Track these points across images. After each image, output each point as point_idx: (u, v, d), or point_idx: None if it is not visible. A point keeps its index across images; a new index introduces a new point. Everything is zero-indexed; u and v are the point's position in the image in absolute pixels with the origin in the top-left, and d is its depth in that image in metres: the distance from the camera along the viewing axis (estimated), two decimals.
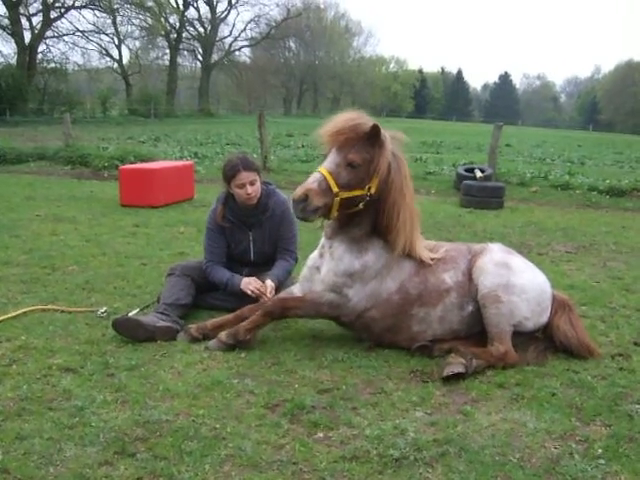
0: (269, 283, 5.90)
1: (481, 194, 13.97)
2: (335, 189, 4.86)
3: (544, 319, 5.33)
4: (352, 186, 4.93)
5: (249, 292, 5.84)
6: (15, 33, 51.06)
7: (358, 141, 4.92)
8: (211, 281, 6.11)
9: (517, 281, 5.20)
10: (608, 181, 17.44)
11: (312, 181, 4.89)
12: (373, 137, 4.92)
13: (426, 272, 5.33)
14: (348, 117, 4.98)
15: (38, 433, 3.79)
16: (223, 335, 5.25)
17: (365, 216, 5.17)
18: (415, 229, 5.29)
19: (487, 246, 5.55)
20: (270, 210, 6.23)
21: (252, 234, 6.26)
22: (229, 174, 5.98)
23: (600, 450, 3.85)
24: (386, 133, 5.03)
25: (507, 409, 4.34)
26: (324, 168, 4.93)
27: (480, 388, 4.65)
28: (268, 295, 5.75)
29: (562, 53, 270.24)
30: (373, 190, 5.00)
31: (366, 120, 4.98)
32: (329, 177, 4.87)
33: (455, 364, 4.81)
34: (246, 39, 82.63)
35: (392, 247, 5.22)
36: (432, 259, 5.36)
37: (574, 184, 17.07)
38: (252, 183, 5.98)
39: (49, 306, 6.06)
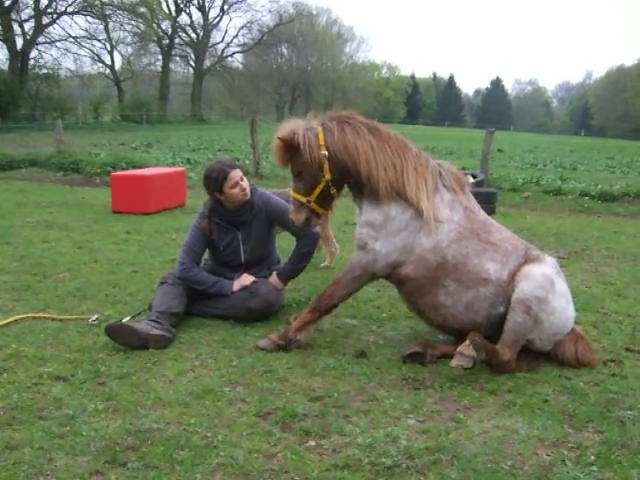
0: (275, 280, 6.28)
1: None
2: (303, 200, 5.36)
3: (549, 348, 5.29)
4: (312, 188, 5.33)
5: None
6: (7, 39, 50.89)
7: (288, 153, 5.34)
8: (189, 281, 6.08)
9: (553, 302, 5.13)
10: (600, 186, 17.48)
11: (291, 206, 5.49)
12: (291, 144, 5.28)
13: (470, 248, 5.22)
14: (275, 141, 5.37)
15: (28, 442, 3.77)
16: (275, 335, 5.45)
17: (354, 186, 5.44)
18: (403, 175, 5.22)
19: (543, 256, 5.39)
20: (256, 206, 6.29)
21: (241, 233, 6.29)
22: (220, 179, 6.00)
23: (592, 457, 3.84)
24: (300, 130, 5.27)
25: (499, 416, 4.34)
26: (290, 189, 5.53)
27: (472, 395, 4.65)
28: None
29: (554, 58, 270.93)
30: (329, 176, 5.28)
31: (286, 131, 5.33)
32: (295, 194, 5.41)
33: (467, 357, 4.86)
34: (238, 45, 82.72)
35: (375, 192, 5.25)
36: (438, 219, 5.18)
37: (566, 189, 17.10)
38: (242, 178, 6.11)
39: (40, 314, 6.04)
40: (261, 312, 6.06)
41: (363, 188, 5.32)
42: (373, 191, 5.25)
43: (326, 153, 5.23)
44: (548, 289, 5.12)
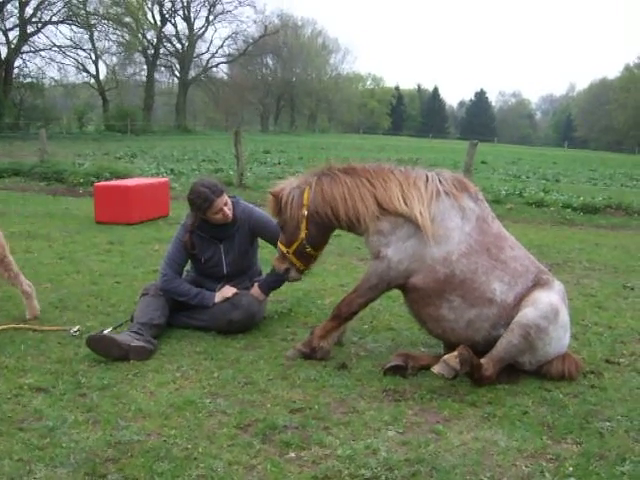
0: (257, 291, 6.31)
1: None
2: (284, 249, 5.71)
3: (535, 368, 5.30)
4: (290, 241, 5.67)
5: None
6: None
7: (277, 207, 5.69)
8: (171, 293, 6.09)
9: (552, 333, 5.14)
10: (582, 198, 17.59)
11: (276, 252, 5.89)
12: (276, 201, 5.67)
13: (479, 264, 5.22)
14: (268, 195, 5.83)
15: (8, 454, 3.76)
16: (299, 344, 5.59)
17: (348, 230, 5.69)
18: (386, 194, 5.35)
19: (552, 282, 5.35)
20: (238, 220, 6.31)
21: (223, 246, 6.30)
22: (204, 206, 6.01)
23: (571, 468, 3.87)
24: (287, 188, 5.63)
25: (479, 428, 4.36)
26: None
27: (452, 407, 4.67)
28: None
29: (537, 71, 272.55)
30: (303, 235, 5.59)
31: (277, 188, 5.72)
32: (280, 243, 5.77)
33: (449, 367, 4.84)
34: (223, 55, 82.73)
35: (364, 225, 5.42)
36: (421, 215, 5.24)
37: (549, 201, 17.18)
38: (226, 204, 6.09)
39: (21, 325, 6.02)
40: (243, 324, 6.06)
41: (354, 227, 5.50)
42: (362, 226, 5.42)
43: (305, 213, 5.51)
44: (551, 320, 5.11)
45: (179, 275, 6.28)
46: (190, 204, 6.13)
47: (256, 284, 6.33)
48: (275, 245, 6.22)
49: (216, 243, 6.29)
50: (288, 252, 5.66)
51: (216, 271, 6.34)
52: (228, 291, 6.16)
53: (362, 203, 5.35)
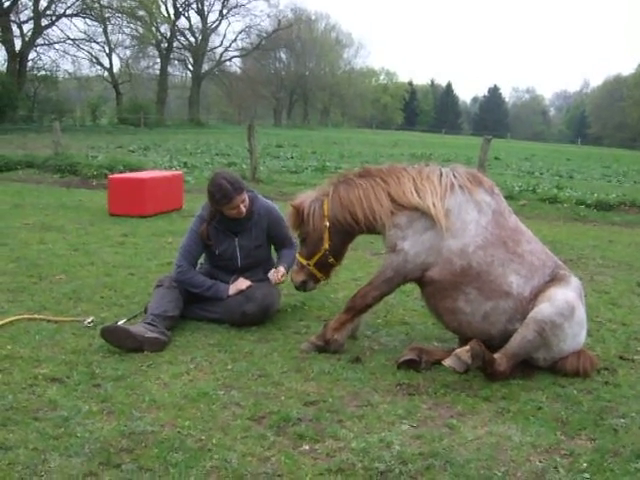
0: (281, 269, 6.29)
1: None
2: (304, 262, 5.78)
3: (549, 365, 5.28)
4: (312, 254, 5.74)
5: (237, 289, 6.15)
6: (5, 40, 50.89)
7: (298, 220, 5.75)
8: (185, 284, 6.11)
9: (567, 329, 5.12)
10: (596, 195, 17.51)
11: (294, 266, 6.00)
12: (298, 214, 5.73)
13: (495, 257, 5.22)
14: (289, 208, 5.86)
15: (23, 443, 3.77)
16: (313, 337, 5.62)
17: (368, 232, 5.73)
18: (400, 189, 5.41)
19: (569, 277, 5.34)
20: (255, 215, 6.32)
21: (238, 239, 6.30)
22: (222, 201, 6.00)
23: (585, 464, 3.86)
24: (307, 201, 5.71)
25: (493, 423, 4.35)
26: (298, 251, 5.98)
27: (466, 402, 4.66)
28: (280, 278, 6.24)
29: (551, 67, 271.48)
30: (327, 245, 5.67)
31: (298, 201, 5.77)
32: (298, 256, 5.87)
33: (461, 361, 4.84)
34: (237, 49, 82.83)
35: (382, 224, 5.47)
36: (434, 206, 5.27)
37: (562, 198, 17.11)
38: (243, 201, 6.08)
39: (36, 315, 6.04)
40: (257, 316, 6.06)
41: (373, 227, 5.53)
42: (379, 223, 5.46)
43: (327, 224, 5.60)
44: (566, 316, 5.09)
45: (193, 267, 6.30)
46: (209, 196, 6.11)
47: (277, 267, 6.35)
48: (278, 248, 6.54)
49: (231, 236, 6.29)
50: (309, 264, 5.75)
51: (230, 264, 6.35)
52: (242, 283, 6.16)
53: (377, 202, 5.40)
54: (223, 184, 5.98)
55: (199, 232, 6.23)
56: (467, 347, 4.90)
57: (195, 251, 6.27)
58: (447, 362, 4.89)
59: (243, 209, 6.13)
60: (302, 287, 5.89)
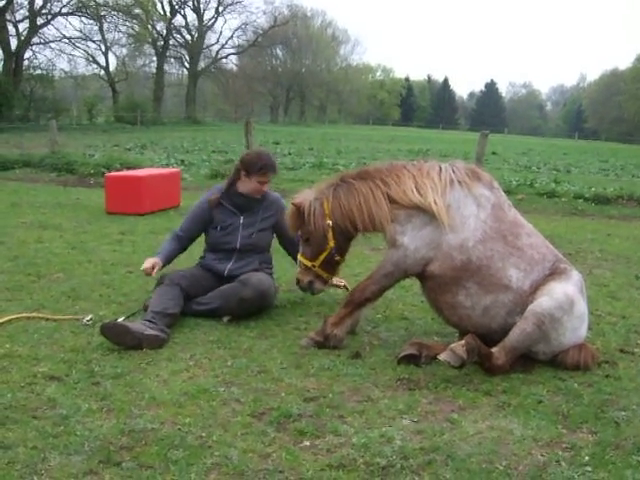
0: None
1: None
2: (309, 264, 5.73)
3: (549, 358, 5.28)
4: (317, 254, 5.70)
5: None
6: (1, 39, 50.83)
7: (298, 220, 5.71)
8: None
9: (566, 323, 5.11)
10: (594, 189, 17.53)
11: (297, 267, 5.96)
12: (299, 213, 5.67)
13: (495, 251, 5.21)
14: (289, 206, 5.84)
15: (22, 442, 3.76)
16: (313, 333, 5.60)
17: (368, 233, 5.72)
18: (400, 188, 5.39)
19: (570, 271, 5.32)
20: (267, 201, 6.50)
21: (243, 218, 6.39)
22: (262, 168, 6.24)
23: (587, 457, 3.85)
24: (307, 200, 5.64)
25: (494, 417, 4.34)
26: (299, 252, 5.87)
27: (467, 396, 4.65)
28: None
29: (548, 61, 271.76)
30: (332, 244, 5.64)
31: (298, 199, 5.71)
32: (301, 257, 5.80)
33: (456, 355, 4.79)
34: (233, 47, 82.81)
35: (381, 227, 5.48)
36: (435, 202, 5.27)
37: (560, 192, 17.12)
38: (269, 182, 6.34)
39: (34, 314, 6.02)
40: (254, 302, 6.05)
41: (375, 230, 5.55)
42: (378, 227, 5.48)
43: (330, 223, 5.57)
44: (565, 310, 5.08)
45: (189, 236, 6.55)
46: (246, 160, 6.31)
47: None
48: (281, 240, 6.66)
49: (237, 215, 6.39)
50: (314, 265, 5.73)
51: (229, 242, 6.38)
52: (148, 262, 6.21)
53: (377, 207, 5.40)
54: (270, 156, 6.37)
55: (209, 200, 6.41)
56: (462, 342, 4.89)
57: (196, 222, 6.53)
58: (442, 356, 4.85)
59: (266, 188, 6.36)
60: (309, 288, 5.85)
